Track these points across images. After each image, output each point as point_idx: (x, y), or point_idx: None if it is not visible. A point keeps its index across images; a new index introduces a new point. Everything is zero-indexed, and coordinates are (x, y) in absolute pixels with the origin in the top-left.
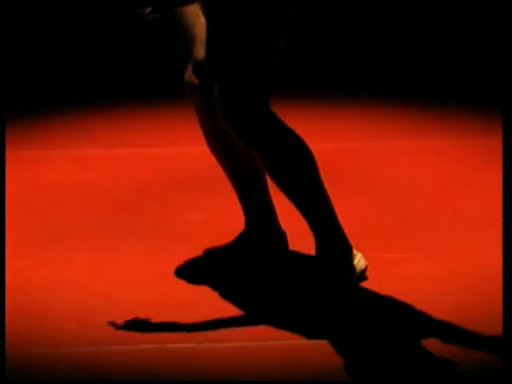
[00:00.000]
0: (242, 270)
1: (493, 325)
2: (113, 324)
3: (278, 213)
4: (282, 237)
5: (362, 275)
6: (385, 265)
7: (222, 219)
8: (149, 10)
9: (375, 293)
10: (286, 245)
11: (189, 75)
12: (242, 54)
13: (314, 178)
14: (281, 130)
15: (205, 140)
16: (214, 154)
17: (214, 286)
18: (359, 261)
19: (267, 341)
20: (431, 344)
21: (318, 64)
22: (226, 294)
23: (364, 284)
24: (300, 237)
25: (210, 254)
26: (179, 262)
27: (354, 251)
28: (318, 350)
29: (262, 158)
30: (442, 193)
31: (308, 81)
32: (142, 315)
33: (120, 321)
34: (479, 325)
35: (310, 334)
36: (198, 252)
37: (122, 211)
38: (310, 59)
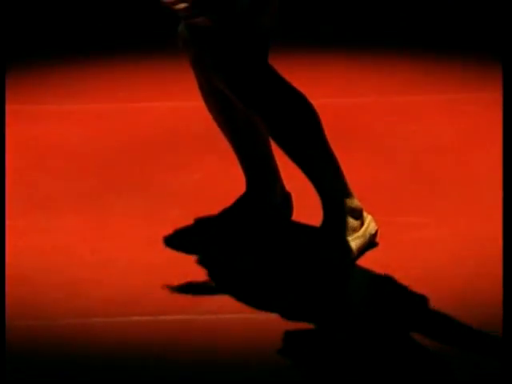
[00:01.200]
0: (242, 238)
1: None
2: (100, 294)
3: (283, 174)
4: (286, 199)
5: (372, 240)
6: (396, 229)
7: (220, 180)
8: (183, 6)
9: (384, 260)
10: (291, 207)
11: (182, 27)
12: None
13: (318, 136)
14: (281, 87)
15: (201, 97)
16: (211, 112)
17: (210, 255)
18: (369, 225)
19: (260, 313)
20: (439, 324)
21: (330, 14)
22: (221, 264)
23: (373, 250)
24: (305, 200)
25: (204, 222)
26: (172, 227)
27: (364, 214)
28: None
29: (262, 117)
30: (459, 151)
31: (318, 31)
32: (133, 285)
33: (110, 291)
34: (496, 296)
35: (298, 312)
36: (193, 217)
37: (110, 172)
38: (321, 8)
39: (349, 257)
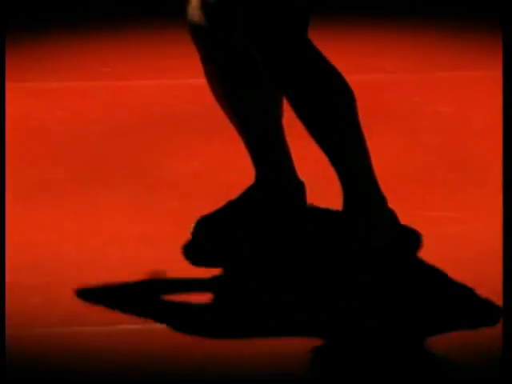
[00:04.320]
0: (250, 232)
1: None
2: (85, 299)
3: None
4: (299, 188)
5: (395, 239)
6: (426, 225)
7: (223, 168)
8: None
9: (412, 261)
10: (304, 197)
11: (192, 13)
12: None
13: (353, 123)
14: (319, 64)
15: (208, 83)
16: (218, 99)
17: (213, 253)
18: (392, 220)
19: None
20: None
21: None
22: (225, 262)
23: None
24: (315, 189)
25: (207, 216)
26: (168, 222)
27: (388, 207)
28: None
29: (294, 98)
30: (494, 134)
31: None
32: (122, 288)
33: (94, 295)
34: None
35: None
36: (193, 210)
37: (97, 159)
38: None
39: (382, 251)
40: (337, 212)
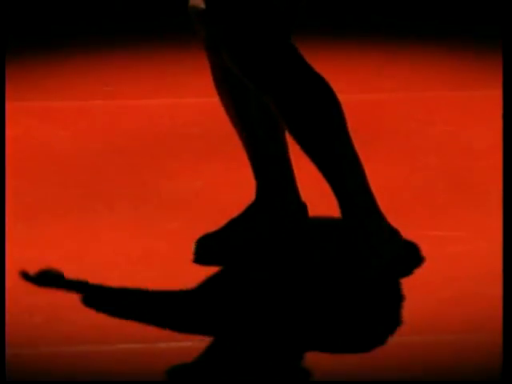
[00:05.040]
0: (251, 251)
1: None
2: (87, 318)
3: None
4: (301, 209)
5: (398, 258)
6: (427, 244)
7: (224, 189)
8: None
9: (415, 279)
10: (306, 220)
11: (194, 2)
12: None
13: (341, 131)
14: (301, 69)
15: (214, 85)
16: (221, 97)
17: (214, 272)
18: (394, 239)
19: (261, 338)
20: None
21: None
22: (227, 282)
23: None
24: (321, 206)
25: (207, 235)
26: (169, 242)
27: (390, 226)
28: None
29: (277, 104)
30: (495, 155)
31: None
32: (124, 307)
33: (96, 314)
34: None
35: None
36: (194, 230)
37: (99, 178)
38: None
39: (381, 270)
40: (337, 228)
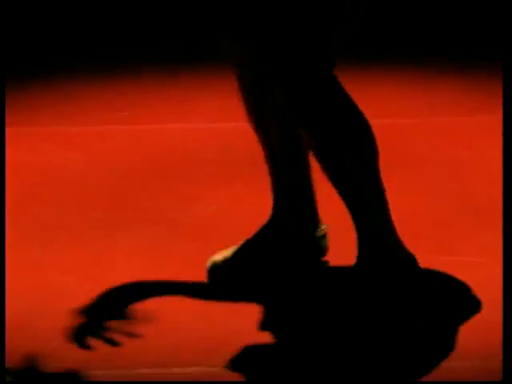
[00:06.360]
0: (265, 273)
1: None
2: (102, 343)
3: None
4: (320, 235)
5: (417, 286)
6: (444, 269)
7: (239, 214)
8: None
9: (435, 307)
10: (325, 245)
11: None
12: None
13: (373, 170)
14: (343, 106)
15: (239, 91)
16: (246, 110)
17: (229, 294)
18: (411, 265)
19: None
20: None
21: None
22: (243, 305)
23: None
24: (343, 233)
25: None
26: (183, 266)
27: (407, 252)
28: None
29: (314, 138)
30: None
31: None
32: (139, 331)
33: (112, 338)
34: None
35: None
36: (210, 254)
37: (114, 203)
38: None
39: (398, 303)
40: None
